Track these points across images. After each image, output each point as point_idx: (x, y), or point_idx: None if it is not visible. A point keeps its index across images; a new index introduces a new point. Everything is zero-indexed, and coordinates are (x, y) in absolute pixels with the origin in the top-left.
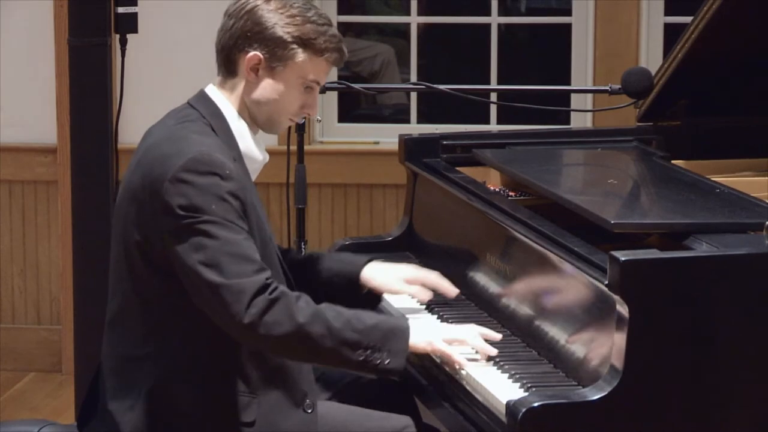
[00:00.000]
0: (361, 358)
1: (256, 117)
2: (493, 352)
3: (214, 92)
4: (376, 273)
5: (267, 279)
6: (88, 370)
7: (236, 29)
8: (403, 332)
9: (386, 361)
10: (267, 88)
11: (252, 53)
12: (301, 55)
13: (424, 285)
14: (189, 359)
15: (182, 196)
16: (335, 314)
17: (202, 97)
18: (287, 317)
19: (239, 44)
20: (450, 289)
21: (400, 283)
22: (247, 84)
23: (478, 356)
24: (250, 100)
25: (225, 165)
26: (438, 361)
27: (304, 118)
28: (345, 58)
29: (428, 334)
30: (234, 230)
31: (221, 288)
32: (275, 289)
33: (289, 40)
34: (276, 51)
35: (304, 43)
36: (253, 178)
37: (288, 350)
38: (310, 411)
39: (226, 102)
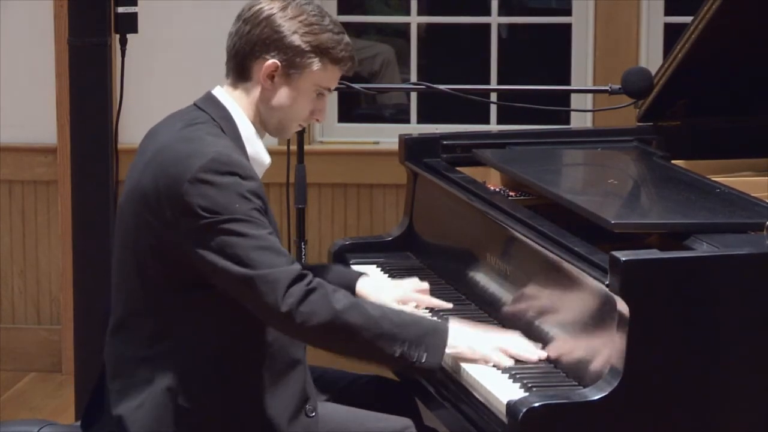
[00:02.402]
0: (398, 354)
1: (266, 122)
2: (543, 354)
3: (222, 95)
4: (371, 290)
5: (302, 270)
6: (88, 370)
7: (253, 36)
8: (442, 331)
9: (423, 358)
10: (282, 94)
11: (270, 61)
12: (317, 63)
13: (417, 305)
14: (196, 361)
15: (204, 197)
16: (373, 306)
17: (210, 100)
18: (325, 306)
19: (256, 51)
20: (443, 305)
21: (393, 304)
22: (262, 90)
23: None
24: (263, 106)
25: (244, 165)
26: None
27: (320, 123)
28: (355, 66)
29: (474, 340)
30: (260, 226)
31: (255, 279)
32: (312, 279)
33: (308, 49)
34: (293, 59)
35: (322, 52)
36: None
37: (326, 340)
38: (312, 415)
39: (235, 105)
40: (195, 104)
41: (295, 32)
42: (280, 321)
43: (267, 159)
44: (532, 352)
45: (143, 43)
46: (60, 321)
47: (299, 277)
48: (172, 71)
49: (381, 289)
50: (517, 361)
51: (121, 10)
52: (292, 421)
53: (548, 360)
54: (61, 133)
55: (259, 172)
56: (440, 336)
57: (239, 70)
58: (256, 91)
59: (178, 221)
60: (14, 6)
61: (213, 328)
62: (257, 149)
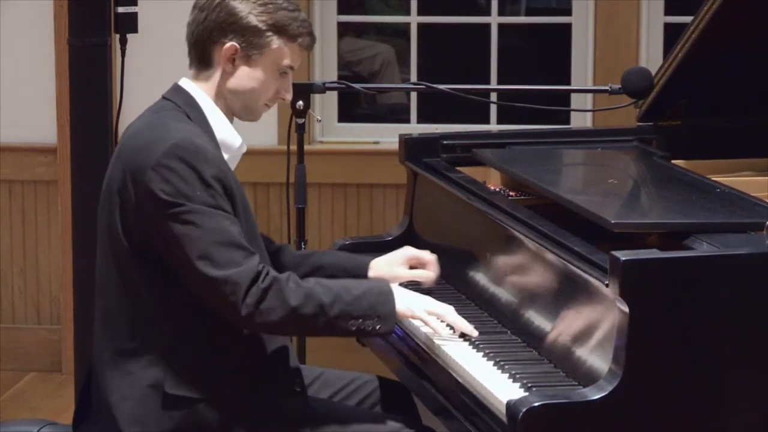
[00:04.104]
0: (354, 328)
1: (232, 106)
2: (474, 333)
3: (188, 84)
4: (382, 268)
5: (258, 265)
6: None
7: (210, 21)
8: (388, 297)
9: (377, 327)
10: (244, 76)
11: (228, 44)
12: (276, 41)
13: (420, 263)
14: (179, 348)
15: (166, 183)
16: (324, 290)
17: (176, 90)
18: (280, 303)
19: (214, 36)
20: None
21: (404, 270)
22: (224, 74)
23: (476, 355)
24: (226, 90)
25: (207, 150)
26: (436, 358)
27: (286, 102)
28: (314, 42)
29: (410, 302)
30: (220, 216)
31: (217, 282)
32: (266, 276)
33: (264, 28)
34: (252, 39)
35: (278, 29)
36: (233, 166)
37: (285, 331)
38: (299, 390)
39: (201, 92)
40: (163, 96)
41: (250, 13)
42: (240, 321)
43: (238, 142)
44: (464, 323)
45: (143, 43)
46: (60, 321)
47: (256, 276)
48: (172, 71)
49: (389, 263)
50: (514, 360)
51: (121, 10)
52: (280, 398)
53: (548, 360)
54: (61, 133)
55: (232, 157)
56: (389, 302)
57: (200, 57)
58: (219, 77)
59: (143, 208)
60: (14, 6)
61: (191, 314)
62: (227, 133)
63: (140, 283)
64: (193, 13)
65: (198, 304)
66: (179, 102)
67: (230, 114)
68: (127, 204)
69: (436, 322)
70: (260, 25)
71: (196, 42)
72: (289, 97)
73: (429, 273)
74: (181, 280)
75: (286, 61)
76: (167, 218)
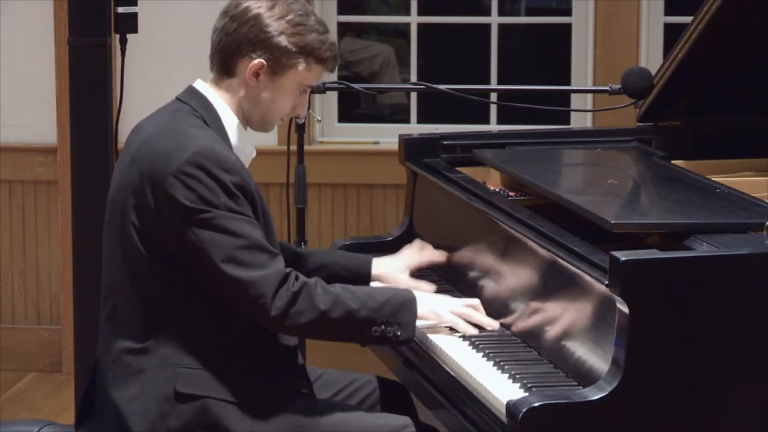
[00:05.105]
0: (377, 334)
1: (249, 117)
2: (495, 325)
3: (204, 88)
4: (384, 269)
5: (286, 268)
6: (88, 370)
7: (240, 34)
8: (411, 305)
9: (398, 333)
10: (266, 92)
11: (256, 60)
12: (303, 63)
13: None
14: (190, 348)
15: (189, 190)
16: (352, 296)
17: (192, 92)
18: (310, 307)
19: (243, 49)
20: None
21: (405, 277)
22: (247, 87)
23: (476, 355)
24: (246, 102)
25: (228, 158)
26: (436, 358)
27: (300, 118)
28: (337, 64)
29: (435, 305)
30: (243, 221)
31: (245, 284)
32: (295, 279)
33: (294, 50)
34: (280, 59)
35: (308, 52)
36: None
37: (312, 334)
38: (306, 392)
39: (218, 98)
40: (177, 98)
41: (282, 33)
42: (269, 322)
43: (250, 147)
44: (491, 321)
45: (143, 43)
46: (60, 321)
47: (284, 278)
48: (172, 71)
49: (392, 267)
50: (514, 360)
51: (121, 10)
52: (288, 399)
53: (548, 360)
54: (61, 133)
55: (244, 162)
56: (411, 311)
57: (224, 66)
58: (241, 88)
59: (162, 213)
60: (14, 6)
61: (204, 316)
62: (241, 140)
63: (154, 285)
64: (222, 20)
65: (211, 306)
66: (195, 105)
67: (245, 123)
68: (144, 208)
69: (464, 324)
70: (291, 47)
71: (222, 50)
72: (303, 113)
73: (429, 285)
74: (204, 283)
75: (309, 82)
76: (191, 224)
